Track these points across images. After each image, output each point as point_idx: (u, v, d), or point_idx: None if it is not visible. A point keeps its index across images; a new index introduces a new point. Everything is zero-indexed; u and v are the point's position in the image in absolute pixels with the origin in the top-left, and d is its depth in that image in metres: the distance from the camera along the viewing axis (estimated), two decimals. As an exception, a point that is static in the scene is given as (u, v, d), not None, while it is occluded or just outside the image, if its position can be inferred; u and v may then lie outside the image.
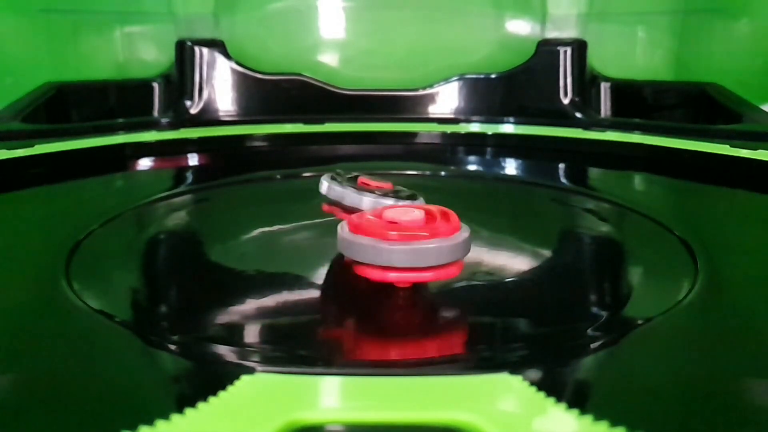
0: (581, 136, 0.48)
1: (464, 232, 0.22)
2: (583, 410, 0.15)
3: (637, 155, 0.44)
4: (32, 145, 0.41)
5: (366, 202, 0.26)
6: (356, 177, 0.29)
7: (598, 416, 0.14)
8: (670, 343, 0.20)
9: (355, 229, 0.22)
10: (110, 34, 0.60)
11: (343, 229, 0.22)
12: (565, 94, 0.56)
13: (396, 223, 0.22)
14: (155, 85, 0.58)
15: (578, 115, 0.54)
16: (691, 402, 0.17)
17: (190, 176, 0.45)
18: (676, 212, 0.35)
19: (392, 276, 0.21)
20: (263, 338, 0.22)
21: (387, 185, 0.28)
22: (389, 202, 0.26)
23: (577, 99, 0.56)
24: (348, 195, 0.27)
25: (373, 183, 0.28)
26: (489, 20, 0.61)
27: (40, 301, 0.23)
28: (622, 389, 0.17)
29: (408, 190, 0.28)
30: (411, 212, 0.22)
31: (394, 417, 0.15)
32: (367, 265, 0.21)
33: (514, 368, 0.17)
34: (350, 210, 0.27)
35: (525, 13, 0.61)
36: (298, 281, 0.27)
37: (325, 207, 0.28)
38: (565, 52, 0.57)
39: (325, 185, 0.28)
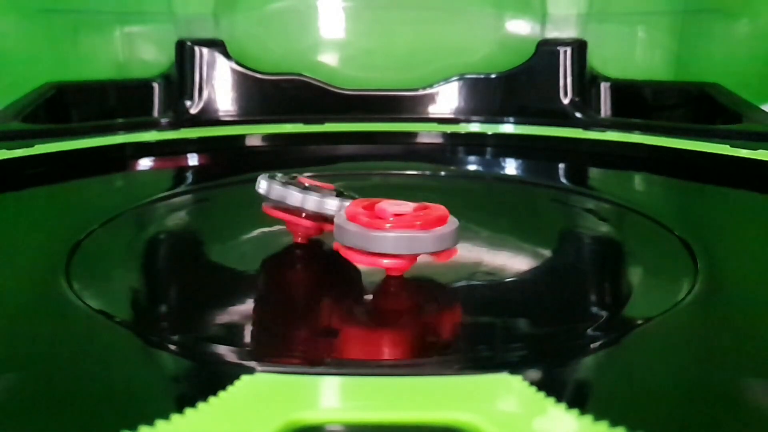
0: (581, 136, 0.48)
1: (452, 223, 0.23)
2: (583, 410, 0.15)
3: (637, 155, 0.44)
4: (32, 145, 0.41)
5: (310, 201, 0.26)
6: (295, 177, 0.28)
7: (598, 416, 0.14)
8: (670, 343, 0.20)
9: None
10: (110, 34, 0.60)
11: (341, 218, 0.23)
12: (565, 94, 0.56)
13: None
14: (155, 85, 0.58)
15: (578, 115, 0.54)
16: (691, 402, 0.17)
17: (190, 176, 0.45)
18: (676, 212, 0.35)
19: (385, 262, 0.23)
20: (263, 338, 0.22)
21: (328, 186, 0.27)
22: (334, 202, 0.26)
23: (577, 99, 0.55)
24: (290, 195, 0.26)
25: (314, 183, 0.27)
26: (489, 20, 0.61)
27: (40, 301, 0.23)
28: (622, 389, 0.17)
29: (350, 193, 0.28)
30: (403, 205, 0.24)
31: (394, 417, 0.15)
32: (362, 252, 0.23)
33: (514, 368, 0.17)
34: (293, 211, 0.26)
35: (525, 13, 0.61)
36: (299, 281, 0.27)
37: (266, 208, 0.27)
38: (565, 52, 0.56)
39: (264, 184, 0.27)
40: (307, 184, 0.27)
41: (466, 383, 0.16)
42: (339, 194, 0.27)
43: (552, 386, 0.16)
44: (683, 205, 0.38)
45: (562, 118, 0.54)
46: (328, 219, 0.26)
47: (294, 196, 0.26)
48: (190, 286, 0.26)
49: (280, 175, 0.28)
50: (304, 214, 0.27)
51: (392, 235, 0.22)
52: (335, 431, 0.15)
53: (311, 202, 0.26)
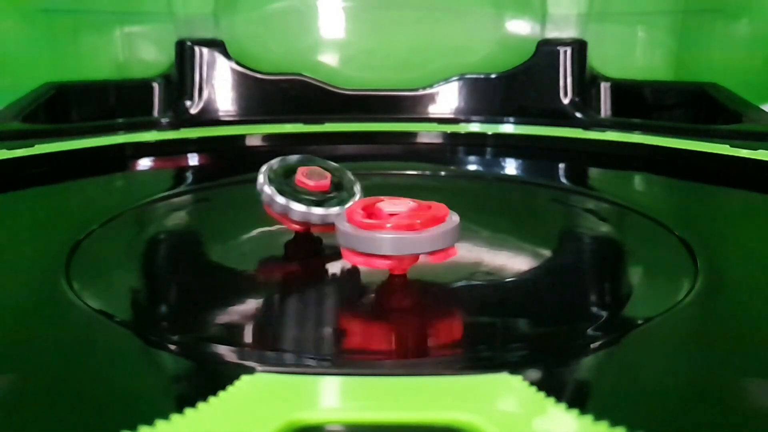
0: (581, 136, 0.48)
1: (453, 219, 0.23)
2: (583, 410, 0.15)
3: (637, 155, 0.44)
4: (32, 145, 0.41)
5: (314, 217, 0.26)
6: (294, 172, 0.28)
7: (598, 416, 0.14)
8: (670, 343, 0.20)
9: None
10: (110, 34, 0.60)
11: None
12: (565, 94, 0.56)
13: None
14: (155, 85, 0.58)
15: (578, 115, 0.54)
16: (691, 402, 0.17)
17: (190, 176, 0.45)
18: (676, 212, 0.35)
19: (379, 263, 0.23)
20: (263, 338, 0.22)
21: (325, 183, 0.27)
22: (334, 210, 0.26)
23: (577, 99, 0.55)
24: (293, 210, 0.26)
25: (313, 183, 0.27)
26: (489, 20, 0.61)
27: (40, 301, 0.23)
28: (622, 389, 0.17)
29: (349, 182, 0.28)
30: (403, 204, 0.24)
31: (394, 417, 0.15)
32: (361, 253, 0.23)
33: (514, 368, 0.17)
34: (298, 222, 0.27)
35: (525, 13, 0.61)
36: (298, 281, 0.27)
37: (267, 207, 0.27)
38: (565, 52, 0.56)
39: (267, 193, 0.26)
40: (305, 184, 0.27)
41: (466, 383, 0.16)
42: (338, 188, 0.28)
43: (552, 386, 0.16)
44: (683, 205, 0.38)
45: (562, 118, 0.54)
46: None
47: (294, 212, 0.26)
48: (190, 286, 0.26)
49: (279, 161, 0.28)
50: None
51: (390, 236, 0.22)
52: (335, 431, 0.15)
53: (315, 217, 0.26)
